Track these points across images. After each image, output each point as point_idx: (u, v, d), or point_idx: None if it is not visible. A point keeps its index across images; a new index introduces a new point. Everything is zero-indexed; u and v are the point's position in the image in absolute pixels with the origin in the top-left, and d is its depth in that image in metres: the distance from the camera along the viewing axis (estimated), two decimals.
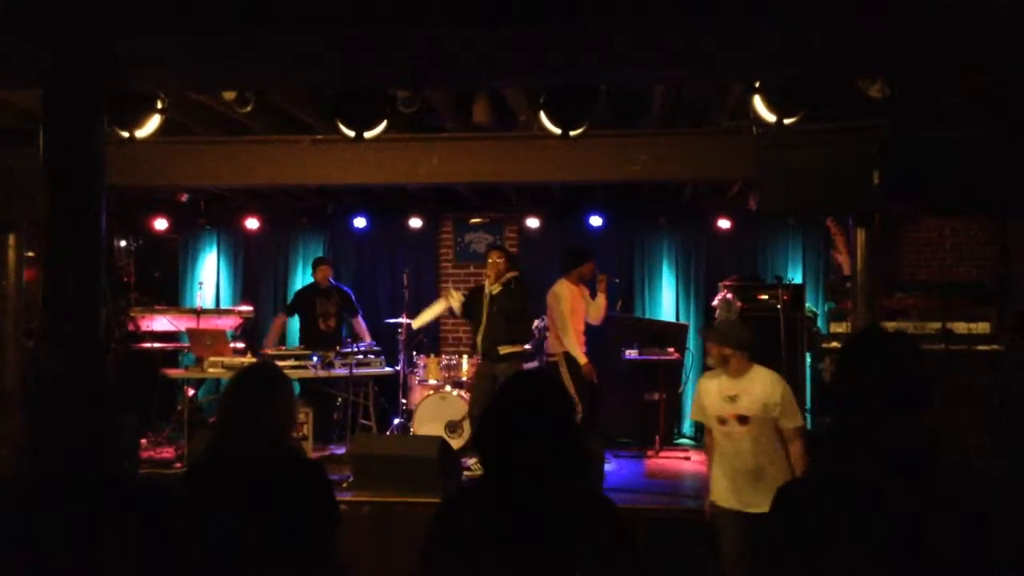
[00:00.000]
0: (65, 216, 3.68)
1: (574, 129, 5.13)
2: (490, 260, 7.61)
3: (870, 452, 1.99)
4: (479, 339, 7.55)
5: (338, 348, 8.38)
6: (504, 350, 7.42)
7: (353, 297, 9.21)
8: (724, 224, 9.43)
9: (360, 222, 10.04)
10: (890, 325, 7.04)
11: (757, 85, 4.79)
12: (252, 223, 9.99)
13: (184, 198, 9.63)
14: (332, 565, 2.91)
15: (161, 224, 9.83)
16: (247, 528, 2.73)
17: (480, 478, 2.33)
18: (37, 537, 2.28)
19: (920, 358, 2.09)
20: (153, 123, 5.31)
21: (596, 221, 9.67)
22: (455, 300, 7.82)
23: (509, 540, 2.13)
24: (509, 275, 7.56)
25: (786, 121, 4.81)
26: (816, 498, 2.03)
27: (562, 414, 2.26)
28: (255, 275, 10.61)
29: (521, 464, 2.17)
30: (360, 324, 9.17)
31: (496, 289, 7.48)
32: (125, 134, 5.26)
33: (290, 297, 9.65)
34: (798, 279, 9.17)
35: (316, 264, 9.20)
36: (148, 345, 9.07)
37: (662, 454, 8.29)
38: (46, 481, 2.37)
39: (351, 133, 5.25)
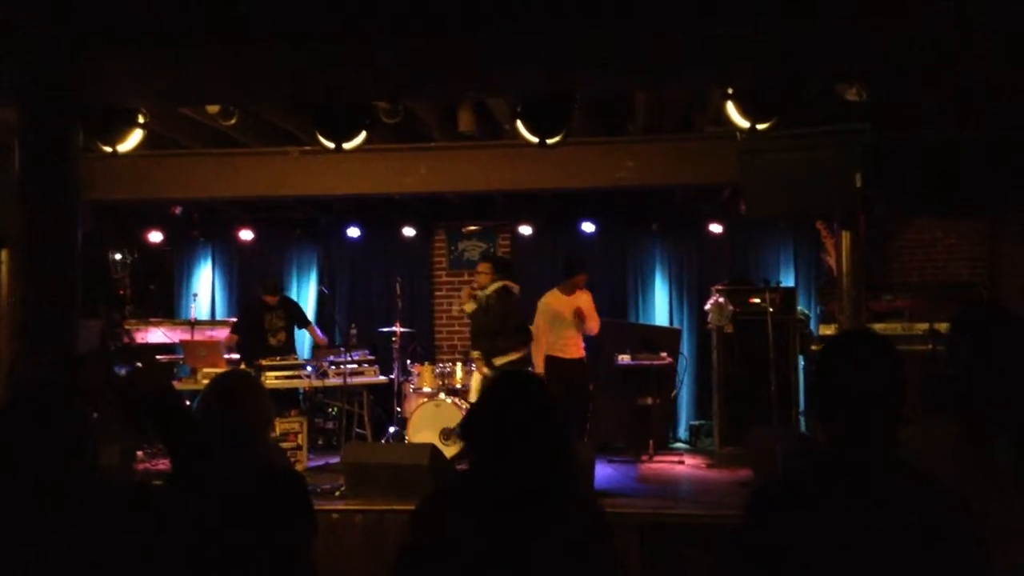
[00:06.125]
0: (41, 229, 3.72)
1: (551, 138, 5.15)
2: (479, 270, 7.62)
3: (847, 455, 2.00)
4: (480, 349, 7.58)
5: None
6: (498, 361, 7.47)
7: (302, 308, 9.17)
8: (716, 228, 9.42)
9: (354, 232, 10.07)
10: (877, 326, 7.04)
11: (730, 92, 4.80)
12: (246, 235, 10.03)
13: (178, 211, 9.66)
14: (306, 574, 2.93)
15: (156, 237, 9.87)
16: (221, 537, 2.74)
17: (462, 478, 2.33)
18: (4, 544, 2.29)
19: (892, 358, 2.08)
20: (135, 137, 5.36)
21: (589, 227, 9.67)
22: (468, 305, 7.81)
23: (492, 540, 2.12)
24: (495, 285, 7.58)
25: (760, 127, 4.82)
26: (791, 500, 2.02)
27: (544, 412, 2.27)
28: (249, 287, 10.62)
29: (506, 460, 2.18)
30: (316, 332, 8.98)
31: (492, 300, 7.49)
32: (108, 149, 5.30)
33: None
34: (791, 282, 9.16)
35: (263, 285, 8.98)
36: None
37: (656, 459, 8.25)
38: (18, 487, 2.38)
39: (331, 144, 5.28)
